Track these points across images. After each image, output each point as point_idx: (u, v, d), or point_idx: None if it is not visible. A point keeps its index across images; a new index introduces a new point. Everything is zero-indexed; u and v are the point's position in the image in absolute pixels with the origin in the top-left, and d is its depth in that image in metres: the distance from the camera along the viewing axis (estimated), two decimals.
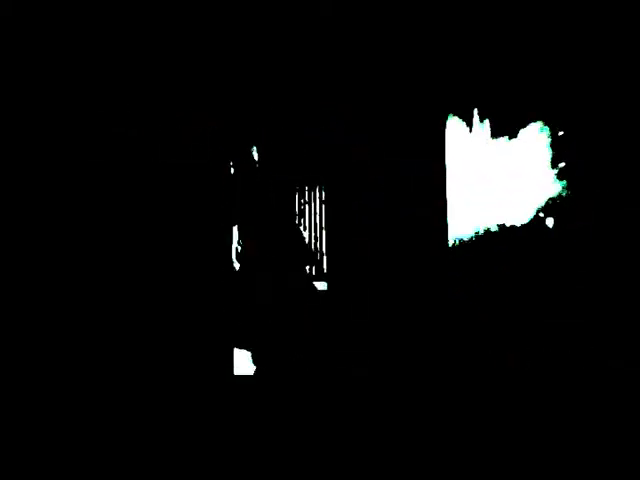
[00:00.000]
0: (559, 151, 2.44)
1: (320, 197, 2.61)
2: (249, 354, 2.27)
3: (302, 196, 2.64)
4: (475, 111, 2.45)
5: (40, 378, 2.16)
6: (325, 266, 2.65)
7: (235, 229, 2.36)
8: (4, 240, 2.19)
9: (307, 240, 2.31)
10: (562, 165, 2.40)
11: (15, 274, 2.19)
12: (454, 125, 2.60)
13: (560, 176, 2.38)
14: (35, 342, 2.17)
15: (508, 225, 2.57)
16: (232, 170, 2.30)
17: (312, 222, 2.62)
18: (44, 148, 2.24)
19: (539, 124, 2.54)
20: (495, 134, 2.58)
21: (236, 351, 2.28)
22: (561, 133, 2.42)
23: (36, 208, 2.21)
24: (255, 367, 2.26)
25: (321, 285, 2.68)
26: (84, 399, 2.15)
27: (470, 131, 2.61)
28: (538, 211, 2.43)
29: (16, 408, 2.11)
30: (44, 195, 2.22)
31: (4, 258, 2.18)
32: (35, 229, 2.21)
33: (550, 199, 2.41)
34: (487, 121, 2.56)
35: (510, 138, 2.74)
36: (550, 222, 2.38)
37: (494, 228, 2.63)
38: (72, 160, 2.22)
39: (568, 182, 2.35)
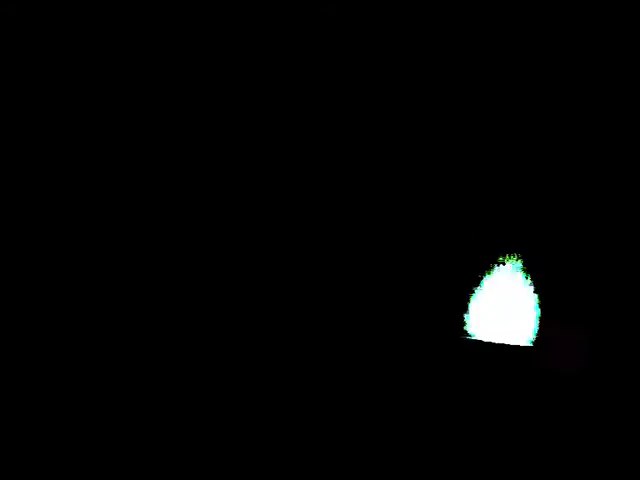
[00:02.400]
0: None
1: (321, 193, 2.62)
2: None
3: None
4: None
5: (40, 375, 2.21)
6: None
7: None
8: (4, 240, 2.22)
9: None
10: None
11: (15, 274, 2.22)
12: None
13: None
14: (35, 341, 2.21)
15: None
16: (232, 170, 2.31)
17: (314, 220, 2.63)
18: (44, 148, 2.26)
19: None
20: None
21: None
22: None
23: (36, 208, 2.23)
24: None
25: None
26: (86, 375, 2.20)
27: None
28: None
29: (16, 408, 2.16)
30: (44, 195, 2.24)
31: (4, 258, 2.21)
32: (34, 229, 2.24)
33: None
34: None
35: None
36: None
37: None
38: (71, 160, 2.24)
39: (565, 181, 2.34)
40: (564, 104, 2.32)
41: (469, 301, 2.33)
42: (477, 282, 2.33)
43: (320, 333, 2.30)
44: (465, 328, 2.32)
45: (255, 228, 2.36)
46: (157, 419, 2.20)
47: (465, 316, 2.32)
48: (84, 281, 2.26)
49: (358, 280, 2.34)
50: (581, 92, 2.31)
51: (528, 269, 2.31)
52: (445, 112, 2.31)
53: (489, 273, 2.33)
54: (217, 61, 2.30)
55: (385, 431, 2.20)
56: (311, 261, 2.35)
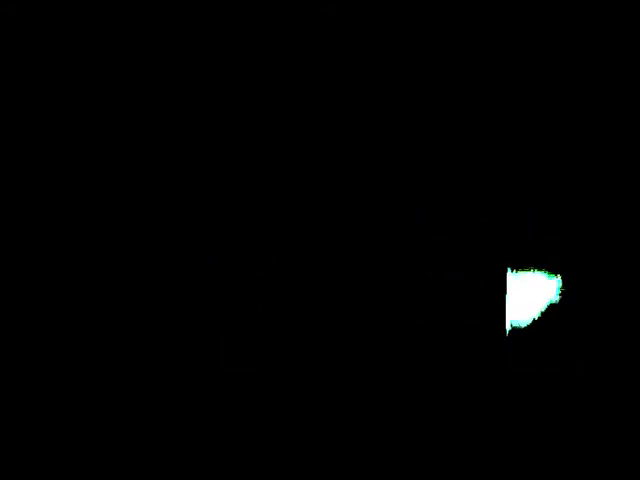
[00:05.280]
0: None
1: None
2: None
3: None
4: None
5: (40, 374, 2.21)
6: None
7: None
8: (4, 240, 2.22)
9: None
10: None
11: (14, 273, 2.23)
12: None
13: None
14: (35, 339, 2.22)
15: None
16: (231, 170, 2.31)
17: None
18: (43, 148, 2.26)
19: None
20: None
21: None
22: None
23: (35, 208, 2.24)
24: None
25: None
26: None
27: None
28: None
29: (16, 408, 2.16)
30: (43, 195, 2.25)
31: (4, 258, 2.22)
32: (34, 229, 2.24)
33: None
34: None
35: None
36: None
37: None
38: (71, 160, 2.24)
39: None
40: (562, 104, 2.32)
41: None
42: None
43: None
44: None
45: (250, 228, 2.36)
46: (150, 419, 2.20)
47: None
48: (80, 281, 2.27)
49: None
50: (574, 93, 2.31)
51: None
52: (445, 112, 2.31)
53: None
54: (215, 61, 2.30)
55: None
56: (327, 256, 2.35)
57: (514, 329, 2.28)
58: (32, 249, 2.25)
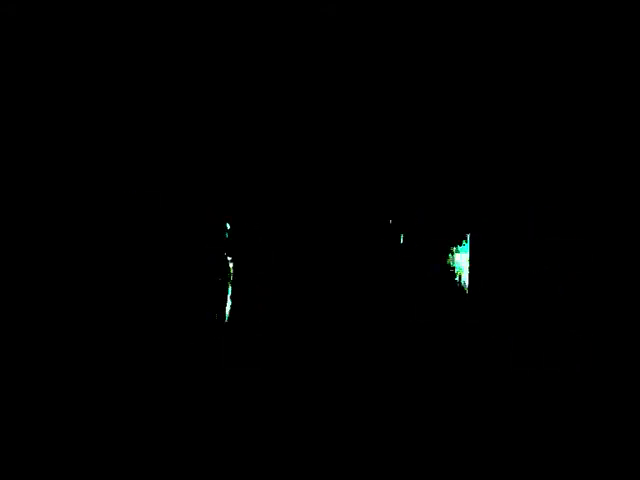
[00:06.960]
0: None
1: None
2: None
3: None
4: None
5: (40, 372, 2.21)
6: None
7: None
8: (4, 240, 2.22)
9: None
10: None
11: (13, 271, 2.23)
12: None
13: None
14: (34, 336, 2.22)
15: None
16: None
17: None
18: (44, 148, 2.26)
19: None
20: None
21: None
22: None
23: (36, 208, 2.24)
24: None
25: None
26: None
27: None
28: None
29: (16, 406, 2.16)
30: (44, 195, 2.25)
31: (4, 258, 2.22)
32: (34, 228, 2.24)
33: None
34: None
35: None
36: None
37: None
38: (71, 160, 2.24)
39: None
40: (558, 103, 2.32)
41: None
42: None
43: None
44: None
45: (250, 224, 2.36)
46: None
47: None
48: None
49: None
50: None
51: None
52: (445, 112, 2.31)
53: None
54: (215, 61, 2.30)
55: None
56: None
57: (514, 329, 2.27)
58: (32, 249, 2.25)
